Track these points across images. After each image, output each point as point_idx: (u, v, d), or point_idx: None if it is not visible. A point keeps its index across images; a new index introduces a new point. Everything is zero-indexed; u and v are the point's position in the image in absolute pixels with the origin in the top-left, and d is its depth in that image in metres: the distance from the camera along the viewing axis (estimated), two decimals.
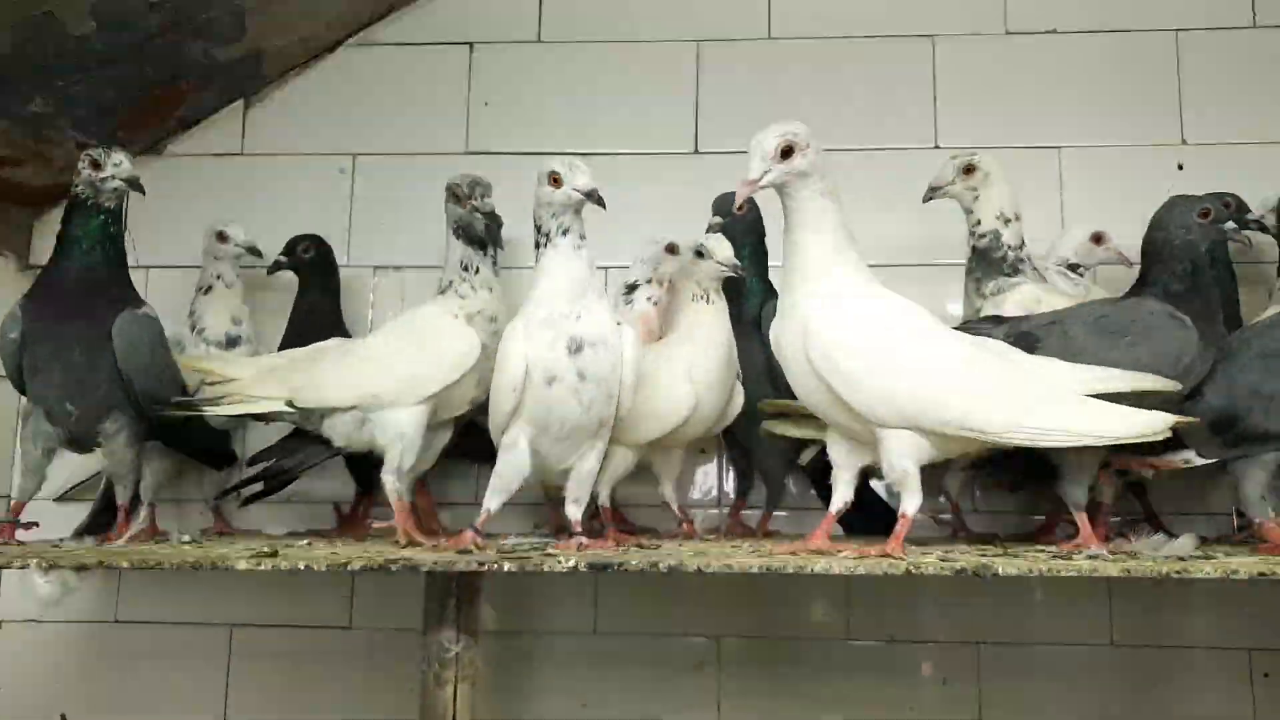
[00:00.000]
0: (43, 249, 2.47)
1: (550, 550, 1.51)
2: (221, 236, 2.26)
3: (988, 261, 1.82)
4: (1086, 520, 1.57)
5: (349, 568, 1.41)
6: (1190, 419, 1.46)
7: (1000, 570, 1.34)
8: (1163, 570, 1.31)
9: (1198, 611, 2.16)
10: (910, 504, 1.49)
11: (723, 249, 1.83)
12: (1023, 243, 1.89)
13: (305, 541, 1.76)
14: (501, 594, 2.23)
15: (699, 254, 1.84)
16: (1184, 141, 2.31)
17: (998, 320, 1.71)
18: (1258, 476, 1.54)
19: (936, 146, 2.37)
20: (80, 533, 2.04)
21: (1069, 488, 1.58)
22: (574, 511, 1.64)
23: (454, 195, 1.76)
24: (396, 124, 2.46)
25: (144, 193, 1.84)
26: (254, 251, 2.27)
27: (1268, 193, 2.06)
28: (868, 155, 2.35)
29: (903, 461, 1.48)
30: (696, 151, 2.43)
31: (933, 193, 1.94)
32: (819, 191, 1.49)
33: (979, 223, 1.86)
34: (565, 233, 1.58)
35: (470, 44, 2.48)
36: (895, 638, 2.22)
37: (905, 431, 1.48)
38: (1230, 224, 1.64)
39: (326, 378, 1.79)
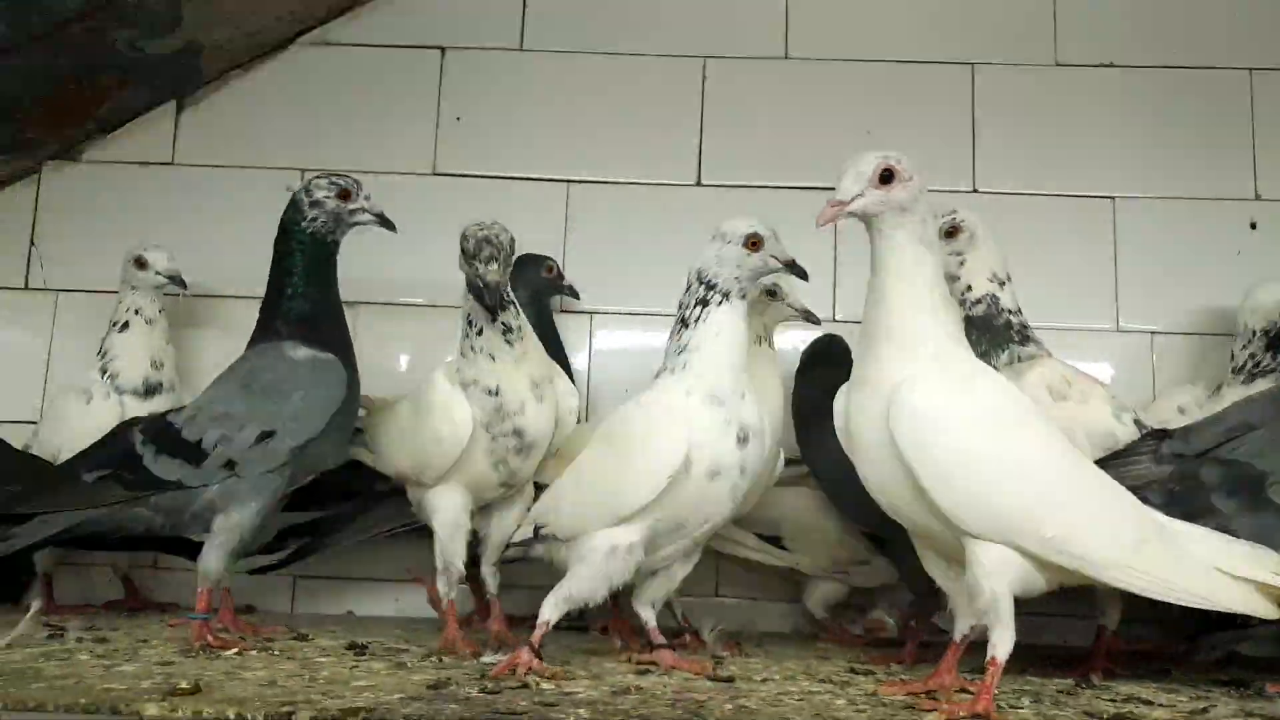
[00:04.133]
0: None
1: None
2: (140, 262, 1.92)
3: (990, 331, 1.60)
4: None
5: (294, 716, 1.06)
6: None
7: None
8: None
9: None
10: (1003, 644, 1.16)
11: (795, 291, 1.64)
12: (1019, 308, 1.63)
13: (234, 650, 1.41)
14: None
15: (770, 293, 1.65)
16: (1258, 196, 2.04)
17: (1160, 436, 1.43)
18: None
19: (975, 190, 2.08)
20: None
21: None
22: (650, 617, 1.43)
23: (462, 248, 1.44)
24: (355, 136, 2.14)
25: (394, 229, 1.62)
26: (178, 281, 1.93)
27: None
28: None
29: (993, 583, 1.18)
30: (699, 183, 2.12)
31: None
32: (916, 235, 1.22)
33: (969, 289, 1.63)
34: (743, 296, 1.41)
35: (442, 48, 2.18)
36: None
37: (1000, 547, 1.18)
38: None
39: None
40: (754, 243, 1.41)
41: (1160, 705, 1.23)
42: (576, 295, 2.02)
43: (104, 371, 1.90)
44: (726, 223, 1.45)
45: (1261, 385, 1.71)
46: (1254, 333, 1.76)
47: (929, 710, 1.13)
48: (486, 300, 1.45)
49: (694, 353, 1.39)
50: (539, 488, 1.61)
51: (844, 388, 1.29)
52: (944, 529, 1.20)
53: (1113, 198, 2.06)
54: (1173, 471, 1.41)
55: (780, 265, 1.43)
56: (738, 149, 2.12)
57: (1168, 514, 1.30)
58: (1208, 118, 2.08)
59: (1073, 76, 2.11)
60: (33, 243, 2.15)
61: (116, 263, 1.96)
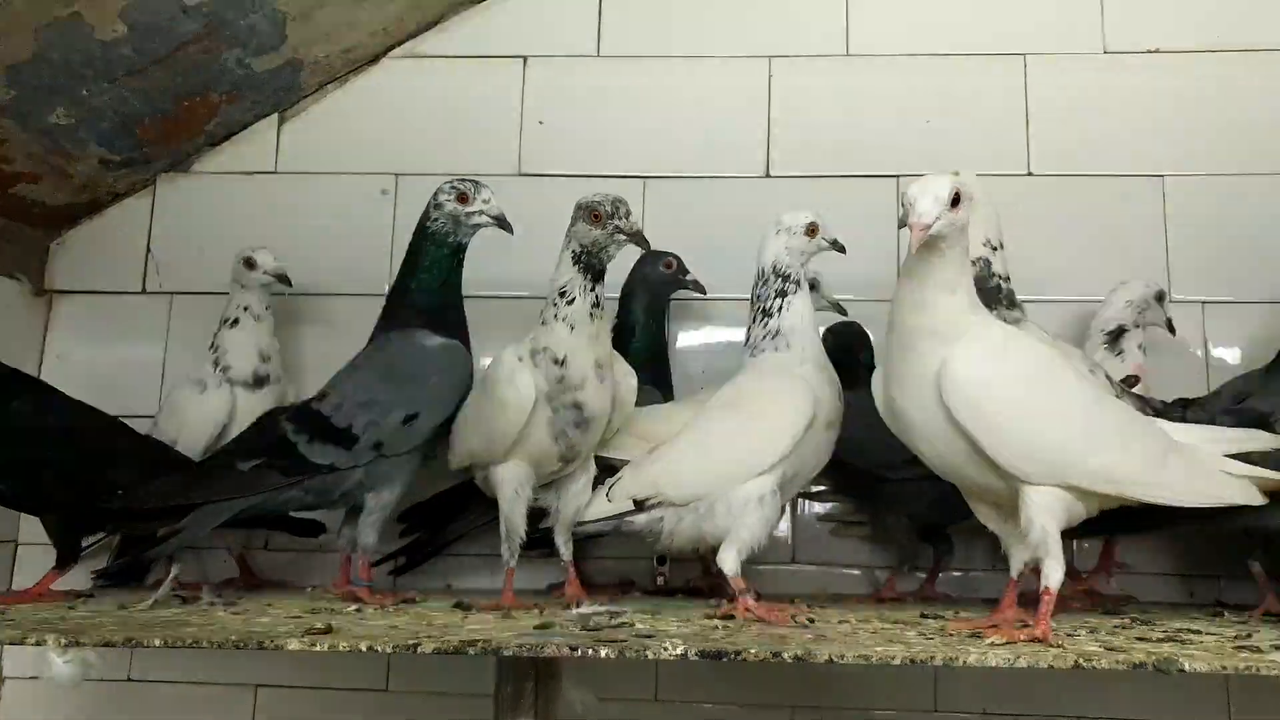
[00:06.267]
0: (58, 273, 2.30)
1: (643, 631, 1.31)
2: (249, 263, 2.05)
3: (982, 292, 1.64)
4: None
5: (419, 649, 1.21)
6: None
7: (1187, 667, 1.14)
8: None
9: None
10: (1054, 574, 1.31)
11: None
12: (1009, 275, 1.74)
13: (353, 608, 1.56)
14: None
15: (812, 285, 1.87)
16: None
17: (1185, 404, 1.66)
18: None
19: (1030, 174, 2.19)
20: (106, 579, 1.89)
21: None
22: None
23: (590, 211, 1.54)
24: (444, 142, 2.28)
25: (511, 231, 1.74)
26: (284, 279, 2.07)
27: None
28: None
29: (1044, 520, 1.32)
30: (768, 174, 2.24)
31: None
32: (964, 249, 1.34)
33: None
34: (809, 282, 1.73)
35: (524, 57, 2.31)
36: (989, 711, 2.02)
37: (1048, 488, 1.33)
38: None
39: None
40: (813, 229, 1.68)
41: (1208, 634, 1.38)
42: (703, 290, 2.03)
43: (216, 364, 2.03)
44: (786, 215, 1.68)
45: None
46: None
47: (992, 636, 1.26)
48: (641, 244, 1.59)
49: (791, 334, 1.65)
50: (612, 469, 1.71)
51: (879, 376, 1.44)
52: (999, 481, 1.34)
53: (1162, 175, 2.17)
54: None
55: (828, 244, 1.69)
56: (803, 142, 2.24)
57: None
58: (1253, 97, 2.17)
59: (1122, 62, 2.21)
60: (149, 249, 2.30)
61: (224, 267, 2.09)
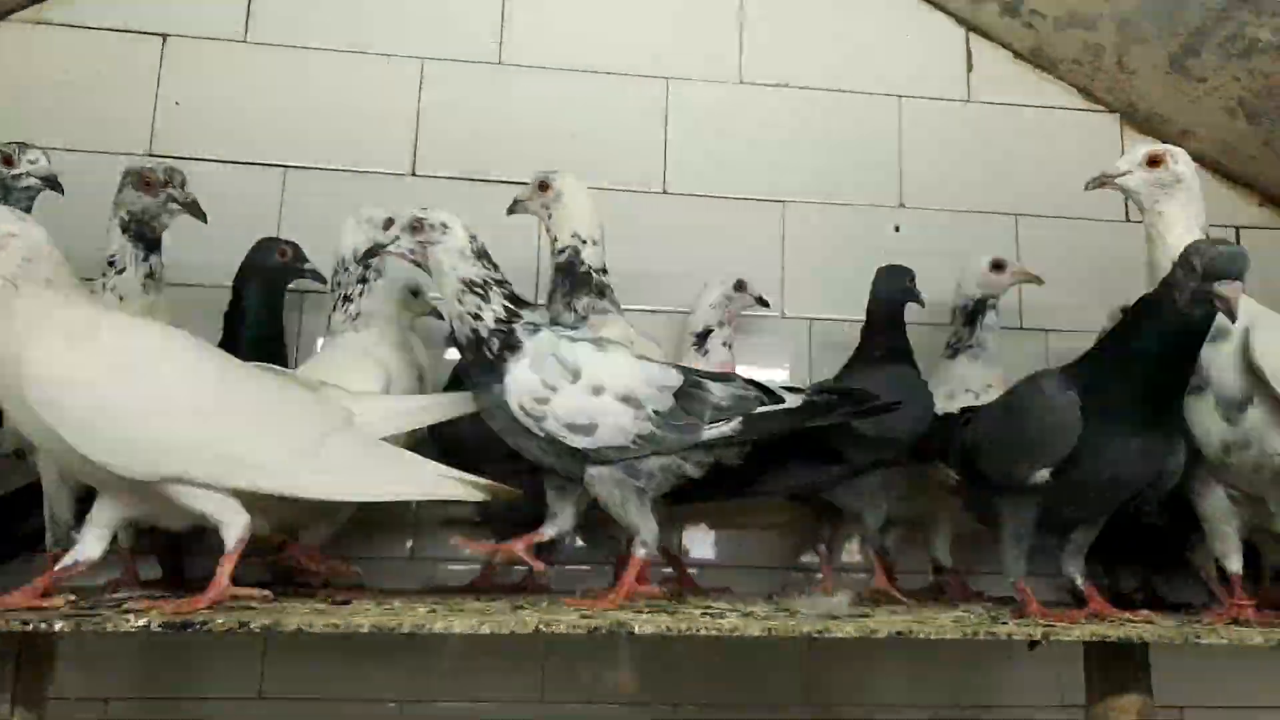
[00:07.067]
0: None
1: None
2: None
3: (573, 276, 1.77)
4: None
5: None
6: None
7: (637, 629, 1.19)
8: (804, 629, 1.21)
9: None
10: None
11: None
12: (605, 269, 1.83)
13: None
14: None
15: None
16: (902, 204, 2.34)
17: None
18: None
19: (665, 192, 2.30)
20: None
21: None
22: None
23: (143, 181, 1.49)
24: (66, 116, 2.14)
25: (63, 191, 1.65)
26: None
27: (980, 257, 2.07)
28: (605, 195, 2.24)
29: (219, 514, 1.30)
30: (414, 174, 2.25)
31: (516, 205, 1.88)
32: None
33: (555, 239, 1.83)
34: None
35: (164, 35, 2.21)
36: None
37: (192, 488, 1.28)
38: None
39: None
40: (389, 225, 1.73)
41: None
42: (323, 280, 1.95)
43: None
44: (365, 209, 1.85)
45: (963, 359, 2.01)
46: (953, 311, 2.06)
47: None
48: (196, 214, 1.62)
49: (371, 317, 1.77)
50: None
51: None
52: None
53: (784, 201, 2.33)
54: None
55: None
56: (452, 144, 2.27)
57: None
58: (865, 135, 2.37)
59: (754, 94, 2.37)
60: None
61: None
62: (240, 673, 2.00)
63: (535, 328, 1.43)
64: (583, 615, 1.26)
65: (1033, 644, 1.28)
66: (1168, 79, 2.32)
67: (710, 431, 1.42)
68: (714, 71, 2.37)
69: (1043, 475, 1.39)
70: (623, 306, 1.85)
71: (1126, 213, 2.43)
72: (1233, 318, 1.24)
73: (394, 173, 2.24)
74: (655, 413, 1.40)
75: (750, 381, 1.50)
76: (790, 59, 2.39)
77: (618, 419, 1.39)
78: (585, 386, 1.39)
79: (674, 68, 2.36)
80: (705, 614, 1.30)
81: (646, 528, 1.41)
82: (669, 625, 1.21)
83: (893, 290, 1.88)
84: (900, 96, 2.40)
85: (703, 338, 2.02)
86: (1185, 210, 1.44)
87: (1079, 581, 1.47)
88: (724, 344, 2.02)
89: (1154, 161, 1.47)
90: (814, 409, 1.48)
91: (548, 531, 1.52)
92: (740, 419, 1.43)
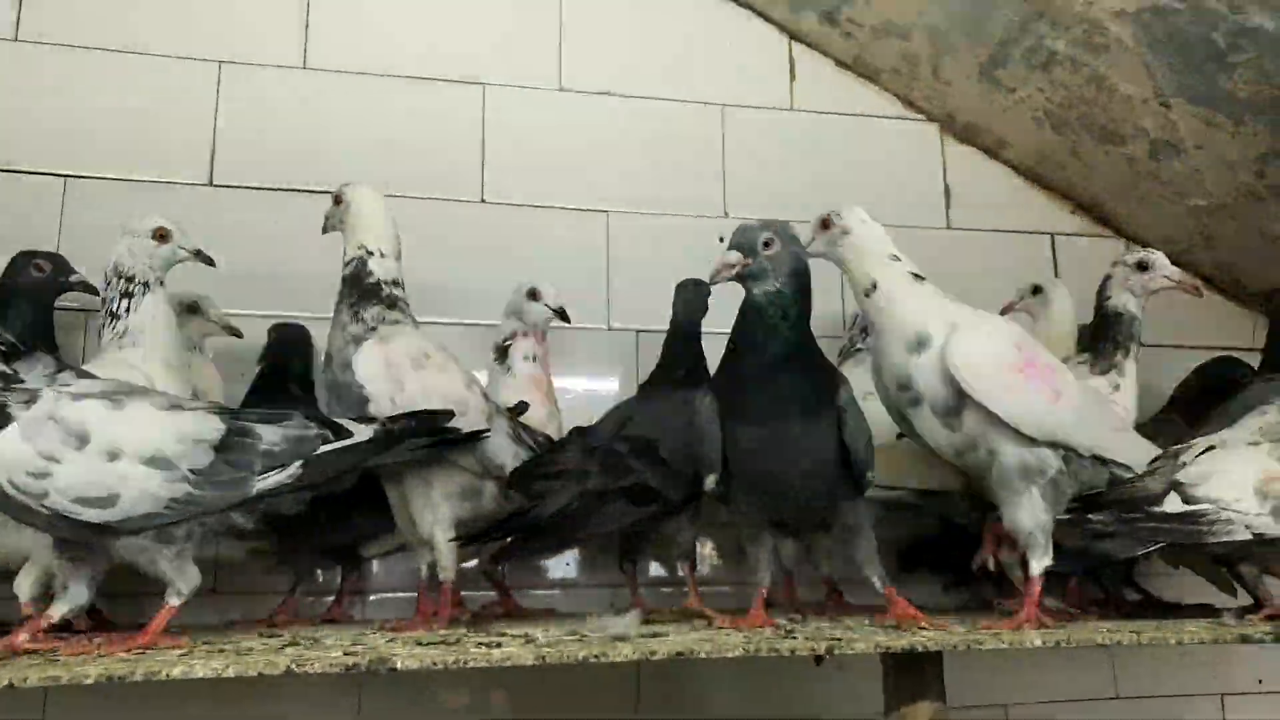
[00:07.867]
0: None
1: None
2: None
3: (359, 288, 1.68)
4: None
5: None
6: None
7: (400, 665, 1.11)
8: (580, 654, 1.14)
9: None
10: None
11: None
12: (399, 282, 1.72)
13: None
14: None
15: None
16: (726, 215, 2.32)
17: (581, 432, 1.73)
18: None
19: (483, 201, 2.23)
20: None
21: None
22: None
23: None
24: None
25: None
26: None
27: None
28: (419, 204, 2.15)
29: None
30: (211, 183, 2.11)
31: (326, 223, 1.78)
32: None
33: (345, 250, 1.73)
34: None
35: None
36: None
37: None
38: None
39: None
40: (162, 234, 1.68)
41: None
42: (95, 292, 1.80)
43: None
44: (134, 219, 1.70)
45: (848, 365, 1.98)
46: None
47: None
48: None
49: (140, 333, 1.63)
50: None
51: None
52: None
53: (607, 212, 2.28)
54: (598, 450, 1.64)
55: (188, 253, 1.72)
56: (254, 152, 2.14)
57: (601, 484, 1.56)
58: (689, 145, 2.35)
59: (575, 101, 2.32)
60: None
61: None
62: None
63: (30, 394, 1.22)
64: (345, 652, 1.16)
65: (818, 659, 1.25)
66: (980, 89, 2.37)
67: (264, 482, 1.30)
68: (533, 78, 2.31)
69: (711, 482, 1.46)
70: (440, 319, 1.78)
71: (948, 220, 2.49)
72: None
73: (190, 183, 2.10)
74: (192, 471, 1.26)
75: (313, 416, 1.40)
76: (612, 67, 2.36)
77: (144, 485, 1.23)
78: (97, 451, 1.22)
79: (491, 74, 2.29)
80: (479, 645, 1.22)
81: (184, 579, 1.28)
82: (435, 659, 1.12)
83: (692, 308, 1.83)
84: (724, 105, 2.39)
85: (503, 351, 1.95)
86: (863, 248, 1.59)
87: (878, 585, 1.45)
88: (527, 357, 1.94)
89: (825, 224, 1.61)
90: (387, 441, 1.39)
91: (56, 613, 1.31)
92: (299, 464, 1.32)
